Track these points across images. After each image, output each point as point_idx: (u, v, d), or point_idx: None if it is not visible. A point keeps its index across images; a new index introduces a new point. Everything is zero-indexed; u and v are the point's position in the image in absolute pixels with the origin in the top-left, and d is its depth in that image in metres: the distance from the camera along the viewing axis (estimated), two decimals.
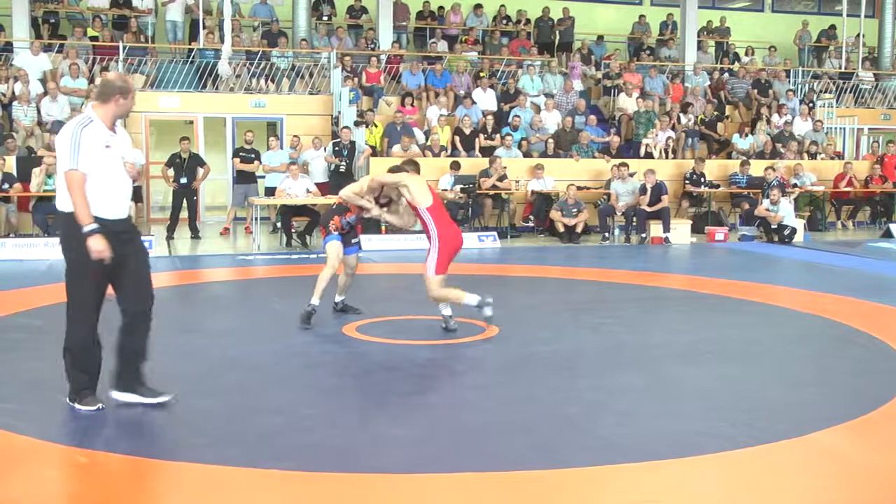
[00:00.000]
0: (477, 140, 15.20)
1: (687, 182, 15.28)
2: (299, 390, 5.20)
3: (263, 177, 14.29)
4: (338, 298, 7.55)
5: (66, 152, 4.47)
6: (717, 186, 15.49)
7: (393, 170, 7.09)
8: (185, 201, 13.28)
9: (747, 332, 6.96)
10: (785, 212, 13.59)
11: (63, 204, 4.54)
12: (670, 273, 10.87)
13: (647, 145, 15.96)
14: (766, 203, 13.77)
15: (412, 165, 7.11)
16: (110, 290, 4.63)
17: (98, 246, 4.40)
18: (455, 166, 13.96)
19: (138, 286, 4.68)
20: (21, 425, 4.38)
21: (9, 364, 5.69)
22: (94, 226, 4.42)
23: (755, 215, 13.90)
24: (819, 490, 3.78)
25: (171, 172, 13.21)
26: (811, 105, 18.47)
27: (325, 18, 17.90)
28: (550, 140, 15.50)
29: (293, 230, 12.67)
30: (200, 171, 13.30)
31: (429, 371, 5.81)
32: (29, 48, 15.32)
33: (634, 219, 13.83)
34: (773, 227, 13.54)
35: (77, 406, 4.59)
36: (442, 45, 18.59)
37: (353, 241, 7.40)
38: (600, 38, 19.74)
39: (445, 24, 19.28)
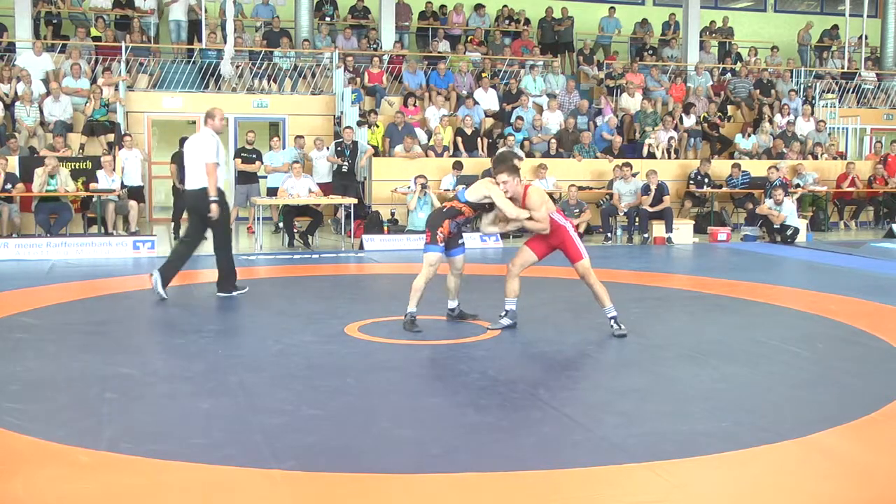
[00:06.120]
0: (479, 140, 15.18)
1: (691, 182, 15.26)
2: (301, 390, 5.19)
3: (265, 177, 14.29)
4: (452, 304, 7.17)
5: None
6: (720, 187, 15.46)
7: (485, 174, 6.92)
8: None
9: (750, 333, 6.94)
10: (788, 212, 13.56)
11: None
12: (673, 273, 10.84)
13: (649, 145, 15.94)
14: (768, 203, 13.75)
15: (511, 170, 6.67)
16: None
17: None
18: (458, 166, 13.96)
19: None
20: (23, 425, 4.38)
21: (11, 364, 5.69)
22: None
23: (758, 215, 13.88)
24: (822, 490, 3.77)
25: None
26: (814, 105, 18.44)
27: (327, 19, 17.89)
28: (552, 140, 15.49)
29: (295, 230, 12.66)
30: None
31: (431, 371, 5.81)
32: (31, 48, 15.31)
33: (637, 219, 13.81)
34: (775, 227, 13.52)
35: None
36: (444, 45, 18.57)
37: (460, 241, 7.00)
38: (598, 41, 19.70)
39: (448, 25, 19.26)
